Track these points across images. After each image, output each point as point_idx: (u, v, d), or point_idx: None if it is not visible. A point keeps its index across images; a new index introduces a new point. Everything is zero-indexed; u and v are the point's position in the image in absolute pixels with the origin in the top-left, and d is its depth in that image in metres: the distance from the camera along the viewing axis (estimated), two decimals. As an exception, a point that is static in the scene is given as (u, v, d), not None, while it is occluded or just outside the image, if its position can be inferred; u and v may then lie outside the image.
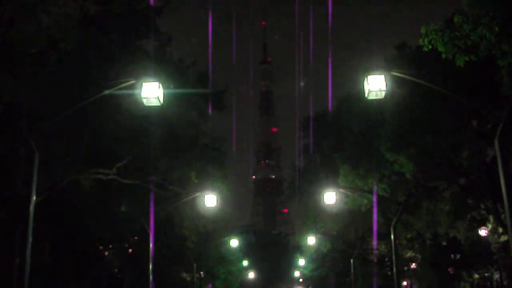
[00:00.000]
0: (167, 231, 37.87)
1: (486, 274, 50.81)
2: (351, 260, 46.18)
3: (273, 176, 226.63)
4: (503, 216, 23.72)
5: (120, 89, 17.15)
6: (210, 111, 29.84)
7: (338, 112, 37.43)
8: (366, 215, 35.67)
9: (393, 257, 29.16)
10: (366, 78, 15.69)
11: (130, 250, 41.41)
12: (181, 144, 28.23)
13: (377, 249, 47.43)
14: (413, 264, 55.21)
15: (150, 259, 29.48)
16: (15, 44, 18.45)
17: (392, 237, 28.86)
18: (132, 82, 16.71)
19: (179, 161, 28.57)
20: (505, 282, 46.39)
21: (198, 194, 30.30)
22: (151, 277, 29.30)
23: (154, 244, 30.00)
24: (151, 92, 16.11)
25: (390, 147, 24.90)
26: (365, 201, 31.42)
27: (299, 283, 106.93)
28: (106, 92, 17.27)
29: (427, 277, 50.95)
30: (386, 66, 17.67)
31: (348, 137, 32.68)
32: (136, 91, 16.46)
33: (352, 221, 41.78)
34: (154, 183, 28.01)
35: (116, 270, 42.71)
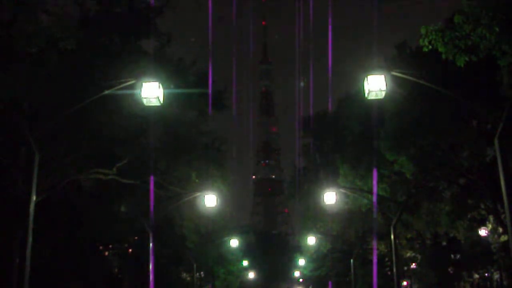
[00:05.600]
0: (167, 231, 37.85)
1: (486, 274, 50.85)
2: (351, 260, 46.17)
3: (273, 176, 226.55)
4: (503, 216, 23.74)
5: (120, 89, 17.15)
6: (210, 111, 29.84)
7: (338, 112, 37.45)
8: (366, 215, 35.64)
9: (393, 257, 29.15)
10: (366, 78, 15.68)
11: (130, 250, 41.41)
12: (181, 144, 28.21)
13: (377, 249, 47.43)
14: (413, 264, 55.25)
15: (150, 259, 29.48)
16: (15, 44, 18.45)
17: (392, 237, 28.85)
18: (132, 82, 16.71)
19: (179, 161, 28.55)
20: (505, 282, 46.42)
21: (198, 194, 30.28)
22: (151, 277, 29.29)
23: (154, 244, 29.98)
24: (151, 92, 16.12)
25: (390, 147, 24.91)
26: (365, 201, 31.41)
27: (299, 283, 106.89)
28: (106, 92, 17.27)
29: (427, 277, 50.99)
30: (386, 66, 17.67)
31: (348, 137, 32.69)
32: (136, 91, 16.46)
33: (352, 221, 41.76)
34: (154, 183, 28.01)
35: (116, 270, 42.72)
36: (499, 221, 27.13)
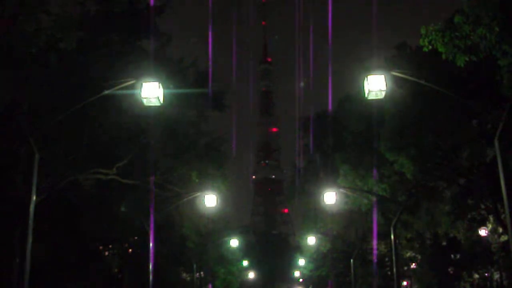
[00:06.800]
0: (167, 231, 37.84)
1: (486, 274, 50.82)
2: (351, 260, 46.18)
3: (273, 176, 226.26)
4: (503, 216, 23.73)
5: (120, 89, 17.14)
6: (210, 111, 29.82)
7: (338, 112, 37.45)
8: (366, 215, 35.64)
9: (393, 257, 29.14)
10: (366, 78, 15.68)
11: (130, 250, 41.41)
12: (181, 144, 28.22)
13: (377, 249, 47.43)
14: (413, 264, 55.25)
15: (150, 259, 29.46)
16: (15, 44, 18.45)
17: (392, 237, 28.84)
18: (132, 82, 16.71)
19: (179, 161, 28.55)
20: (505, 282, 46.41)
21: (198, 194, 30.26)
22: (151, 277, 29.29)
23: (154, 244, 29.97)
24: (151, 92, 16.11)
25: (390, 147, 24.90)
26: (365, 201, 31.40)
27: (299, 283, 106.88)
28: (106, 92, 17.26)
29: (427, 277, 50.98)
30: (386, 66, 17.67)
31: (348, 137, 32.70)
32: (136, 91, 16.46)
33: (352, 221, 41.77)
34: (154, 183, 28.01)
35: (116, 270, 42.71)
36: (499, 221, 27.11)
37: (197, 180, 29.85)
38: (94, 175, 25.05)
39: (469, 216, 33.35)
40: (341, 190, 30.46)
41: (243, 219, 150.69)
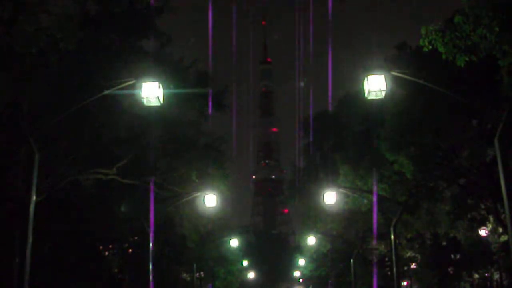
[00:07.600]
0: (167, 231, 37.85)
1: (486, 274, 50.82)
2: (351, 260, 46.17)
3: (273, 176, 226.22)
4: (503, 216, 23.73)
5: (120, 89, 17.16)
6: (210, 111, 29.81)
7: (338, 112, 37.45)
8: (366, 215, 35.63)
9: (393, 257, 29.16)
10: (366, 78, 15.69)
11: (130, 250, 41.42)
12: (181, 144, 28.21)
13: (377, 249, 47.42)
14: (413, 264, 55.26)
15: (150, 259, 29.47)
16: (15, 44, 18.44)
17: (392, 237, 28.85)
18: (132, 82, 16.73)
19: (179, 161, 28.55)
20: (505, 282, 46.43)
21: (198, 194, 30.28)
22: (151, 277, 29.29)
23: (154, 244, 29.97)
24: (151, 92, 16.12)
25: (390, 147, 24.88)
26: (365, 201, 31.40)
27: (299, 283, 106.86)
28: (106, 92, 17.28)
29: (427, 277, 51.02)
30: (386, 66, 17.67)
31: (348, 137, 32.69)
32: (136, 91, 16.47)
33: (352, 221, 41.75)
34: (154, 183, 28.01)
35: (116, 270, 42.71)
36: (499, 221, 27.11)
37: (197, 180, 29.85)
38: (94, 175, 25.04)
39: (469, 216, 33.34)
40: (341, 190, 30.49)
41: (243, 219, 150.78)
